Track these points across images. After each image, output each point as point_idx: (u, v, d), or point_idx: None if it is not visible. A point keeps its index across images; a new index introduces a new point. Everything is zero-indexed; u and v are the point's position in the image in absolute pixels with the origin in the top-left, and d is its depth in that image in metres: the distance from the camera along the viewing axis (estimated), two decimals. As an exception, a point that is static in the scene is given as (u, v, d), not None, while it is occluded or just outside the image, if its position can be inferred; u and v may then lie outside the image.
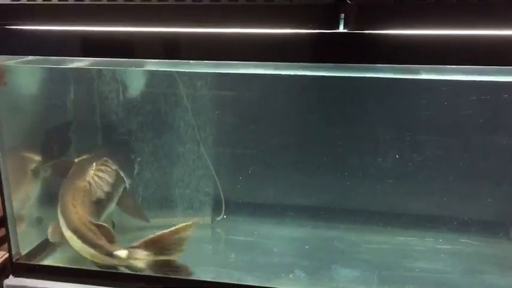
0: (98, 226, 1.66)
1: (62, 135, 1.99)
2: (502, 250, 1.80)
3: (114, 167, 1.86)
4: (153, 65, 1.72)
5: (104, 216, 1.79)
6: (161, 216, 2.02)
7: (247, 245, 1.88)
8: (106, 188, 1.80)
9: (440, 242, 1.84)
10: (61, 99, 1.96)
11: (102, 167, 1.83)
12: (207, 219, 2.03)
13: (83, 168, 1.81)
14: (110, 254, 1.61)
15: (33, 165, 1.84)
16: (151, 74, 1.93)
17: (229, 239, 1.97)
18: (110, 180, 1.83)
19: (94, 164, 1.81)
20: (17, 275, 1.68)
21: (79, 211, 1.69)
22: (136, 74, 1.93)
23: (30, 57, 1.58)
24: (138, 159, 1.98)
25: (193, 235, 1.96)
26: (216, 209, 2.02)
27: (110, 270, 1.64)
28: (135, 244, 1.63)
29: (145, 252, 1.63)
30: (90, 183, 1.77)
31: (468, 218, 1.83)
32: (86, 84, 1.96)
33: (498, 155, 1.77)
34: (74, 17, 1.32)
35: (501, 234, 1.83)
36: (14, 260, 1.69)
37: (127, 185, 1.91)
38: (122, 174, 1.88)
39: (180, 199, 2.02)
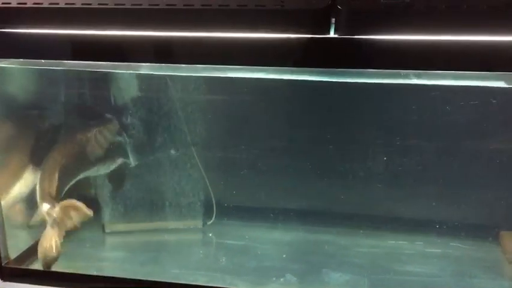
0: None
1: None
2: (490, 254, 1.81)
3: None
4: (143, 68, 1.73)
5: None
6: (152, 220, 2.01)
7: (238, 249, 1.87)
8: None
9: (430, 245, 1.85)
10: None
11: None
12: (198, 223, 2.03)
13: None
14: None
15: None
16: (142, 77, 1.92)
17: (220, 243, 1.97)
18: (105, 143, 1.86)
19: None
20: (6, 279, 1.67)
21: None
22: (127, 77, 1.93)
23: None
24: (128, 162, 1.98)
25: (184, 239, 1.98)
26: (207, 213, 2.02)
27: (101, 274, 1.64)
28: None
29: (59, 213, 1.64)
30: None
31: (458, 222, 1.84)
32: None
33: (487, 159, 1.78)
34: (62, 20, 1.31)
35: (490, 238, 1.84)
36: (3, 264, 1.68)
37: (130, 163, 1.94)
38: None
39: (171, 203, 2.01)
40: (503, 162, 1.77)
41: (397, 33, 1.20)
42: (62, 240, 1.64)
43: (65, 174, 1.75)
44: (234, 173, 1.98)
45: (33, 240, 1.75)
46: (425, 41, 1.19)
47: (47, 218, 1.64)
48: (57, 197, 1.69)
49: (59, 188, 1.72)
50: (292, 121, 1.91)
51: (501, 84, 1.45)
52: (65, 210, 1.66)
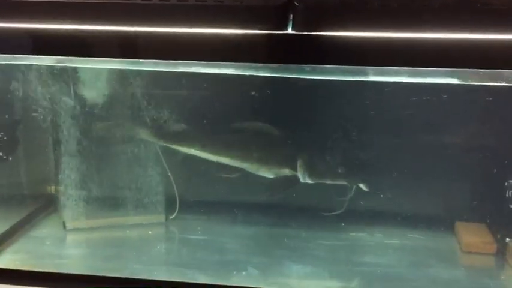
0: None
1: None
2: (446, 244, 1.87)
3: None
4: (108, 63, 1.71)
5: None
6: (114, 216, 2.00)
7: (200, 243, 1.88)
8: None
9: (389, 237, 1.90)
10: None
11: None
12: (161, 218, 2.03)
13: None
14: None
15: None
16: (106, 72, 1.91)
17: (183, 238, 1.97)
18: None
19: None
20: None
21: None
22: (93, 72, 1.91)
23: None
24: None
25: (147, 234, 1.97)
26: (170, 208, 2.02)
27: (61, 272, 1.62)
28: None
29: None
30: None
31: (415, 214, 1.89)
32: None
33: (443, 152, 1.84)
34: (28, 14, 1.29)
35: (442, 228, 1.91)
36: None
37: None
38: None
39: (133, 198, 2.00)
40: (457, 155, 1.83)
41: (354, 30, 1.22)
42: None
43: None
44: (197, 168, 1.99)
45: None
46: (381, 38, 1.22)
47: None
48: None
49: None
50: (251, 116, 1.92)
51: (454, 81, 1.49)
52: None
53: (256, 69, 1.47)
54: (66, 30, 1.30)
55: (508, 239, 1.76)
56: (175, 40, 1.26)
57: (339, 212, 1.86)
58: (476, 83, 1.40)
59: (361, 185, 1.83)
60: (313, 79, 1.49)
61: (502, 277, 1.72)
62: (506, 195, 1.78)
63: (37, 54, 1.42)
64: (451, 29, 1.18)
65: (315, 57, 1.26)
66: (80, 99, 1.91)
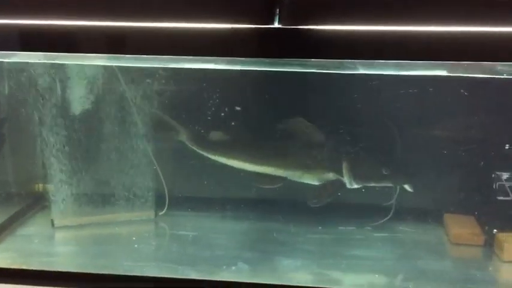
0: None
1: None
2: (435, 235, 1.88)
3: None
4: (94, 59, 1.70)
5: None
6: (103, 213, 1.99)
7: (190, 239, 1.88)
8: None
9: (378, 230, 1.91)
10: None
11: None
12: (151, 214, 2.02)
13: None
14: None
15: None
16: (93, 68, 1.89)
17: (173, 234, 1.97)
18: None
19: None
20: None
21: None
22: (77, 68, 1.89)
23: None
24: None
25: (137, 230, 1.96)
26: (159, 204, 2.02)
27: (50, 270, 1.61)
28: None
29: None
30: None
31: (405, 207, 1.90)
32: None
33: (430, 145, 1.85)
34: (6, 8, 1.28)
35: (430, 220, 1.93)
36: None
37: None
38: None
39: (123, 195, 1.99)
40: (445, 148, 1.84)
41: (341, 24, 1.22)
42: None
43: None
44: (186, 164, 1.99)
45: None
46: (369, 31, 1.22)
47: None
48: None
49: None
50: (238, 111, 1.92)
51: (443, 72, 1.50)
52: None
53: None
54: (52, 25, 1.29)
55: (495, 230, 1.78)
56: (161, 35, 1.25)
57: (387, 218, 1.84)
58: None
59: (406, 186, 1.80)
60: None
61: (490, 268, 1.74)
62: (494, 187, 1.80)
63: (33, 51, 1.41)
64: (441, 21, 1.19)
65: (302, 51, 1.25)
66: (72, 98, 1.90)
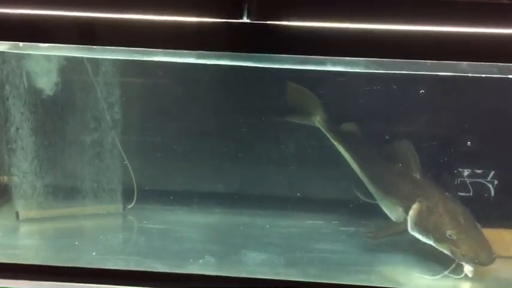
0: None
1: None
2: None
3: None
4: (63, 50, 1.67)
5: None
6: (69, 206, 1.97)
7: (158, 233, 1.88)
8: None
9: (344, 224, 1.94)
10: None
11: None
12: (119, 208, 2.01)
13: None
14: None
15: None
16: (61, 59, 1.87)
17: (141, 227, 1.96)
18: None
19: None
20: None
21: None
22: (45, 59, 1.86)
23: None
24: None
25: (104, 224, 1.95)
26: (128, 197, 2.01)
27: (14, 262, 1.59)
28: None
29: None
30: None
31: (368, 202, 1.93)
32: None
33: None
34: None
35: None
36: None
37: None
38: None
39: (90, 187, 1.98)
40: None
41: (309, 20, 1.23)
42: None
43: None
44: (154, 157, 1.98)
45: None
46: (337, 28, 1.24)
47: None
48: None
49: None
50: (208, 106, 1.92)
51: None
52: None
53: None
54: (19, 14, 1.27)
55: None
56: (129, 27, 1.25)
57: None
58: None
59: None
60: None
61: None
62: (455, 182, 1.85)
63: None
64: (409, 19, 1.21)
65: (270, 46, 1.27)
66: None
